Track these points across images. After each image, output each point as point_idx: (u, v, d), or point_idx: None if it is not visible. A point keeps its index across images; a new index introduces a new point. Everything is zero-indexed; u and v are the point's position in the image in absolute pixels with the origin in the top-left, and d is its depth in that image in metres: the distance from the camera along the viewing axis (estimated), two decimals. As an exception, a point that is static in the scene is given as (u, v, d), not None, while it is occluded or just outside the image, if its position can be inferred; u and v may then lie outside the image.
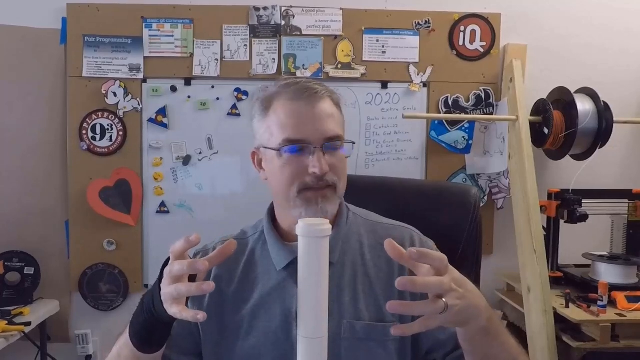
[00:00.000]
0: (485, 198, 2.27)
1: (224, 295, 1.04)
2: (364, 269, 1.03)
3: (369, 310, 1.00)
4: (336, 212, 1.07)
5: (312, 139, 0.98)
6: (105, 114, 2.21)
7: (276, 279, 1.02)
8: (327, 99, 1.03)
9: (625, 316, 1.74)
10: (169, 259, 0.83)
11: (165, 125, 2.23)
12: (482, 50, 2.26)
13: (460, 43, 2.25)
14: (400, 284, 0.71)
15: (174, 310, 0.79)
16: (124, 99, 2.21)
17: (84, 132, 2.21)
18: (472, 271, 1.25)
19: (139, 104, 2.22)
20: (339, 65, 2.24)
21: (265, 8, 2.22)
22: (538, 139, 2.08)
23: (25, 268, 2.13)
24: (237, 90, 2.23)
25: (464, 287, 0.77)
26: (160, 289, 0.82)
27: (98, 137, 2.21)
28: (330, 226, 0.81)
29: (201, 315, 0.75)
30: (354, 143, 1.07)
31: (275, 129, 1.00)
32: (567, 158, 2.11)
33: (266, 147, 1.02)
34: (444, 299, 0.73)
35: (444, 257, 0.76)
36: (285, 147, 0.98)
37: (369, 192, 1.32)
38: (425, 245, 1.06)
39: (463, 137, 2.26)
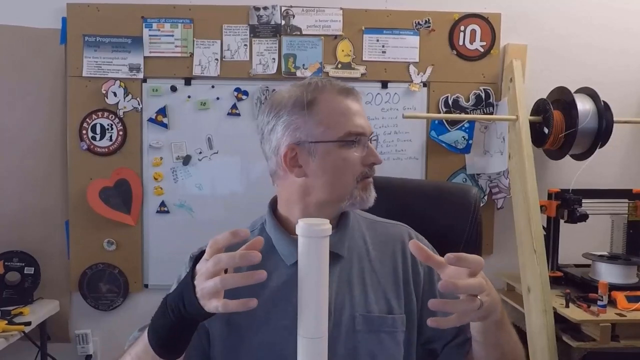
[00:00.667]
0: (485, 198, 2.27)
1: (230, 291, 1.03)
2: (370, 264, 1.06)
3: (378, 304, 1.02)
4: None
5: (367, 131, 1.04)
6: (105, 114, 2.21)
7: (287, 274, 1.02)
8: None
9: (625, 316, 1.74)
10: (199, 255, 0.82)
11: (165, 125, 2.23)
12: (482, 50, 2.26)
13: (460, 43, 2.25)
14: (443, 287, 0.76)
15: (215, 304, 0.76)
16: (124, 98, 2.21)
17: (84, 132, 2.21)
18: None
19: (139, 104, 2.22)
20: (339, 65, 2.24)
21: (265, 8, 2.22)
22: (538, 138, 2.08)
23: (25, 268, 2.13)
24: (237, 90, 2.23)
25: (487, 284, 0.82)
26: (193, 287, 0.79)
27: (98, 137, 2.21)
28: (330, 226, 0.81)
29: (254, 302, 0.75)
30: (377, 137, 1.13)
31: (332, 122, 1.00)
32: (567, 158, 2.11)
33: (319, 141, 1.00)
34: (479, 297, 0.79)
35: (481, 259, 0.80)
36: (351, 138, 1.01)
37: (369, 192, 1.32)
38: (421, 241, 1.08)
39: (463, 137, 2.26)
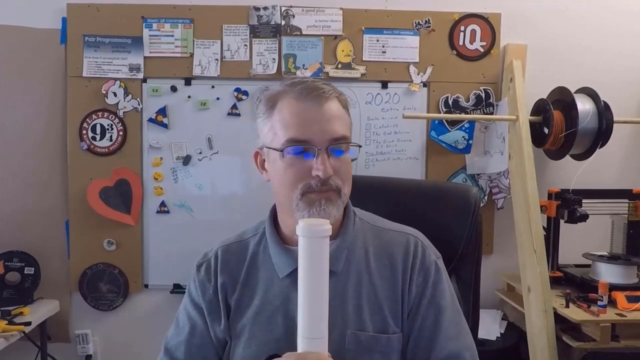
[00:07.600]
0: (485, 198, 2.27)
1: (228, 303, 1.03)
2: (369, 277, 1.01)
3: (372, 321, 0.98)
4: (342, 217, 1.05)
5: (316, 140, 0.95)
6: (105, 114, 2.21)
7: (279, 286, 1.00)
8: (335, 99, 0.99)
9: (625, 316, 1.74)
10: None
11: (165, 125, 2.23)
12: (482, 50, 2.26)
13: (460, 43, 2.25)
14: None
15: None
16: (124, 99, 2.21)
17: (84, 132, 2.21)
18: (472, 271, 1.25)
19: (139, 104, 2.22)
20: (339, 65, 2.24)
21: (265, 8, 2.22)
22: (538, 139, 2.08)
23: (25, 268, 2.13)
24: (237, 90, 2.23)
25: None
26: None
27: (98, 137, 2.21)
28: (330, 226, 0.81)
29: None
30: (360, 146, 1.03)
31: (279, 128, 0.97)
32: (567, 158, 2.11)
33: (269, 148, 0.99)
34: None
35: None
36: (289, 147, 0.95)
37: (369, 192, 1.31)
38: (425, 257, 1.03)
39: (463, 137, 2.26)
